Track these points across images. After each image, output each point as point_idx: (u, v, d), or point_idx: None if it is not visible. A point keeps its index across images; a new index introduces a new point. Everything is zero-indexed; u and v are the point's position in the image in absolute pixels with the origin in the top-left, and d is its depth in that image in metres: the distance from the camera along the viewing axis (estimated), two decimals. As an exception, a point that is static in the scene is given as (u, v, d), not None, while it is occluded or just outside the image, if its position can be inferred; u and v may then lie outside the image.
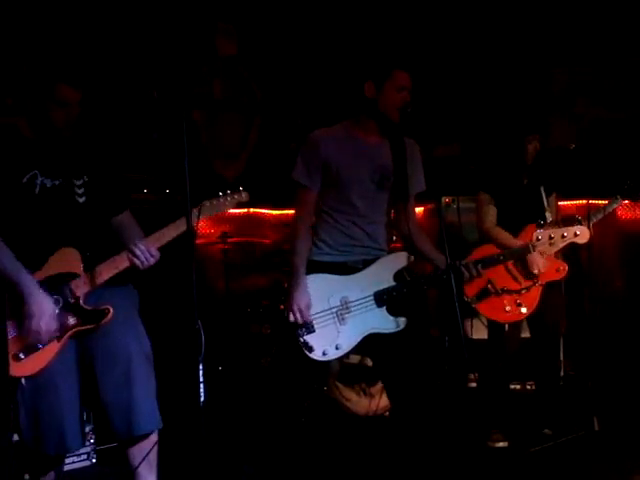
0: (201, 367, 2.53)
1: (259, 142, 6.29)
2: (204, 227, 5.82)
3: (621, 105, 6.34)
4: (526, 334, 4.51)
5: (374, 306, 3.36)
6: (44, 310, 2.78)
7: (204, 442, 2.54)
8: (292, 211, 3.38)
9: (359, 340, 3.36)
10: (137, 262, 2.93)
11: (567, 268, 4.29)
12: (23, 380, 2.81)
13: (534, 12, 6.15)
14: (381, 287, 3.37)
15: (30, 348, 2.80)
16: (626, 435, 4.24)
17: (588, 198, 4.45)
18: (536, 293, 4.25)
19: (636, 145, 6.03)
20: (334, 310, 3.36)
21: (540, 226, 3.50)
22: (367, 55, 3.47)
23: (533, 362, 4.51)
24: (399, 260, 3.44)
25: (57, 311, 2.83)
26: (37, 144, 2.94)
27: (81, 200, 2.98)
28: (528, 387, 5.14)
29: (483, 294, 4.21)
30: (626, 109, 6.31)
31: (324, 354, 3.33)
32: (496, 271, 4.19)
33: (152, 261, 2.95)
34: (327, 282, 3.38)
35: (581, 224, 3.88)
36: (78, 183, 2.98)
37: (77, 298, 2.87)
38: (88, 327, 2.87)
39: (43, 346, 2.80)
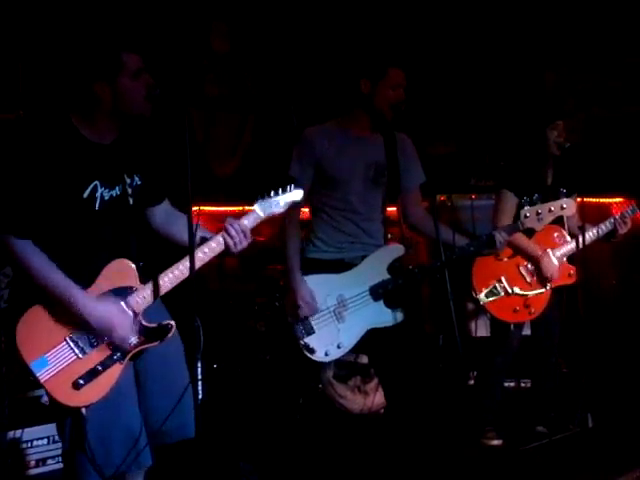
0: (199, 365, 2.52)
1: (254, 140, 6.29)
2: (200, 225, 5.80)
3: (614, 104, 6.35)
4: (525, 332, 4.53)
5: (371, 301, 3.37)
6: (124, 317, 2.54)
7: (201, 439, 2.53)
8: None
9: (360, 336, 3.37)
10: (231, 243, 2.70)
11: (578, 272, 4.27)
12: (84, 410, 2.51)
13: (527, 14, 6.17)
14: (376, 281, 3.38)
15: (91, 373, 2.50)
16: (620, 432, 4.25)
17: (582, 196, 4.45)
18: (546, 296, 4.26)
19: (631, 143, 6.05)
20: (331, 309, 3.36)
21: (527, 203, 3.48)
22: (363, 52, 3.47)
23: (532, 360, 4.53)
24: (392, 253, 3.46)
25: None
26: (97, 146, 2.62)
27: (131, 202, 2.69)
28: (522, 385, 5.15)
29: (493, 292, 4.20)
30: (619, 108, 6.33)
31: (326, 354, 3.34)
32: (509, 271, 4.22)
33: (245, 244, 2.73)
34: (322, 282, 3.38)
35: (567, 197, 3.88)
36: (133, 186, 2.71)
37: (136, 314, 2.58)
38: (151, 345, 2.61)
39: (104, 370, 2.52)
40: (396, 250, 3.46)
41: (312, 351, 3.31)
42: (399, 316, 3.40)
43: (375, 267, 3.41)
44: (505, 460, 3.97)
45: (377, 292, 3.37)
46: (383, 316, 3.39)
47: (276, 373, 3.97)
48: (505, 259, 4.27)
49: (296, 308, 3.29)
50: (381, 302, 3.39)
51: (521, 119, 4.79)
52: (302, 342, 3.30)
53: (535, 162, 4.33)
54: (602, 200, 6.05)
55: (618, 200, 6.16)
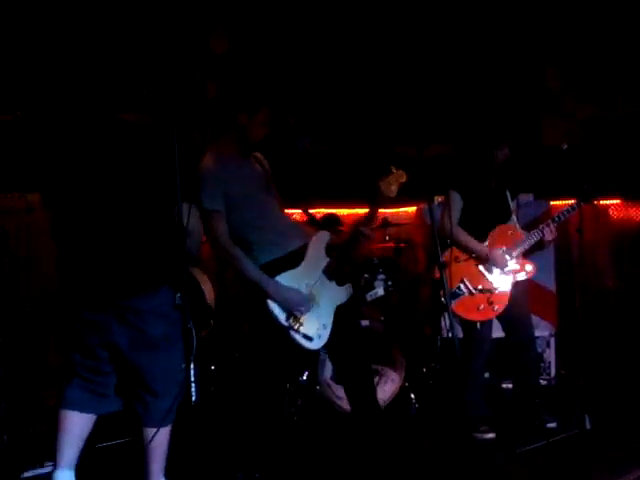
0: (192, 367, 2.51)
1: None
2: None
3: (612, 103, 6.36)
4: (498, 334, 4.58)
5: (327, 282, 3.65)
6: None
7: (197, 442, 2.53)
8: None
9: (334, 314, 3.64)
10: None
11: (535, 267, 4.42)
12: None
13: (525, 14, 6.17)
14: (323, 264, 3.65)
15: None
16: (618, 433, 4.25)
17: (579, 199, 4.46)
18: (507, 292, 4.36)
19: (628, 143, 6.05)
20: (306, 297, 3.57)
21: None
22: (242, 89, 3.80)
23: (510, 361, 4.57)
24: (323, 238, 3.72)
25: None
26: None
27: None
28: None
29: (456, 294, 4.32)
30: (617, 107, 6.34)
31: (320, 337, 3.57)
32: (469, 271, 4.37)
33: None
34: (289, 278, 3.56)
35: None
36: None
37: None
38: None
39: None
40: (326, 235, 3.74)
41: (310, 339, 3.53)
42: (350, 290, 3.73)
43: (317, 253, 3.66)
44: (504, 461, 3.96)
45: (328, 273, 3.65)
46: (340, 293, 3.69)
47: (268, 374, 3.96)
48: (464, 260, 4.38)
49: (294, 309, 3.50)
50: (334, 282, 3.67)
51: (473, 137, 4.92)
52: (300, 334, 3.50)
53: (482, 171, 4.48)
54: (599, 202, 6.04)
55: (615, 202, 6.19)
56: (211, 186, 3.51)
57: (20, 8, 4.93)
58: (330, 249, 3.70)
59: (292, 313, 3.49)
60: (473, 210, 4.40)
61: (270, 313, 3.46)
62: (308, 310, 3.53)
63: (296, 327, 3.49)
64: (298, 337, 3.49)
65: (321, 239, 3.71)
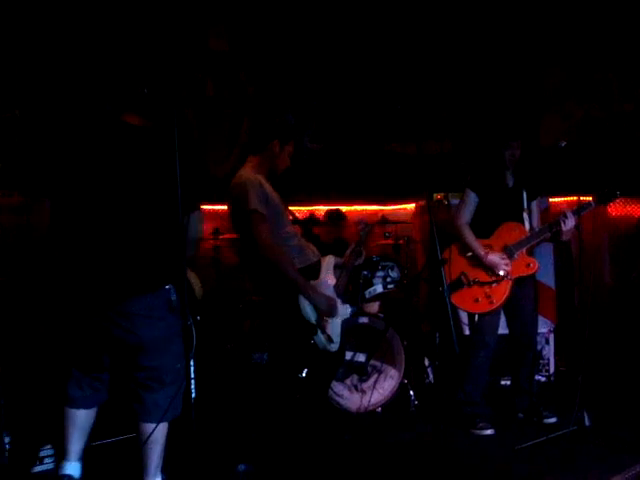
0: (192, 363, 2.52)
1: (249, 139, 6.28)
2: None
3: (610, 101, 6.37)
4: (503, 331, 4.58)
5: (337, 297, 3.83)
6: None
7: (196, 438, 2.54)
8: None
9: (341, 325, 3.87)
10: None
11: (537, 264, 4.45)
12: None
13: (527, 14, 6.18)
14: (333, 282, 3.87)
15: None
16: (617, 430, 4.26)
17: (579, 194, 4.47)
18: (505, 287, 4.40)
19: (628, 142, 6.06)
20: None
21: None
22: (280, 118, 3.87)
23: (509, 357, 4.59)
24: (331, 259, 3.93)
25: None
26: None
27: None
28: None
29: (456, 285, 4.42)
30: (617, 106, 6.35)
31: (336, 343, 3.80)
32: (471, 264, 4.45)
33: None
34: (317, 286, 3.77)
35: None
36: None
37: None
38: None
39: None
40: (332, 258, 3.94)
41: (332, 341, 3.75)
42: (349, 312, 3.94)
43: (328, 271, 3.86)
44: (503, 457, 3.97)
45: (337, 290, 3.87)
46: (345, 310, 3.90)
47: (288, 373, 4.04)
48: (469, 253, 4.46)
49: (327, 311, 3.72)
50: (340, 299, 3.85)
51: (484, 135, 4.95)
52: (325, 334, 3.71)
53: (494, 169, 4.52)
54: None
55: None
56: (257, 192, 3.67)
57: (21, 7, 4.92)
58: (337, 268, 3.93)
59: (322, 314, 3.69)
60: (485, 207, 4.46)
61: (301, 310, 3.63)
62: (335, 316, 3.75)
63: (323, 327, 3.69)
64: (323, 337, 3.69)
65: (330, 259, 3.92)
